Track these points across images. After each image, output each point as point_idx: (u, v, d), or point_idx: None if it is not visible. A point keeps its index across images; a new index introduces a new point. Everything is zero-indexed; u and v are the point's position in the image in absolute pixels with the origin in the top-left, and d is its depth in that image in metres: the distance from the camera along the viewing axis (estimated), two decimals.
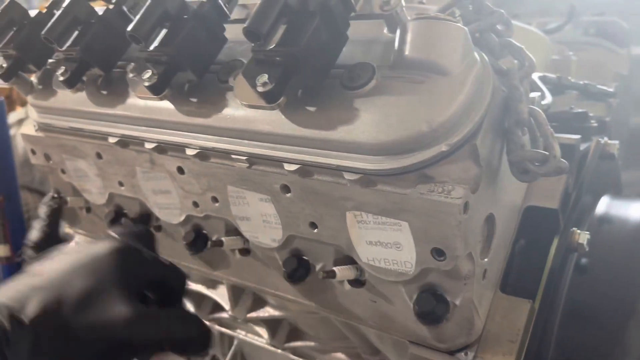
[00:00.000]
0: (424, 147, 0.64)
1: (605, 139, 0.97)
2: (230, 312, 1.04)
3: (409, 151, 0.65)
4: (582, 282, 0.86)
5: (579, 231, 0.84)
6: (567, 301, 0.84)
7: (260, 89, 0.66)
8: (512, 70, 0.69)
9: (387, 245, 0.72)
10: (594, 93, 1.07)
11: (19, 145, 3.44)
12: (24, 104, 3.87)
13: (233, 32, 0.82)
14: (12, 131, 3.12)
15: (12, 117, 3.10)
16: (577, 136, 0.89)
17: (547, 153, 0.68)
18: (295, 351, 1.17)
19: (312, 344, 1.12)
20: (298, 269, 0.83)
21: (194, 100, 0.83)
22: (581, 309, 0.85)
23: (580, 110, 0.98)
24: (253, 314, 1.04)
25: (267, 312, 1.04)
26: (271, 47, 0.66)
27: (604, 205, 0.95)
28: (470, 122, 0.65)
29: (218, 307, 1.26)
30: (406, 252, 0.71)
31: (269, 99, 0.67)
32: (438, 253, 0.68)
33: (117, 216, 1.07)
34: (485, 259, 0.74)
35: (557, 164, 0.68)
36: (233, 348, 1.30)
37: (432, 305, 0.71)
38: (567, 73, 1.15)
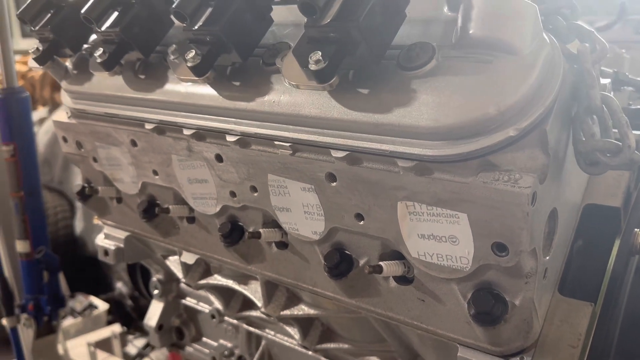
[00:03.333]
0: (490, 132, 0.59)
1: None
2: (263, 309, 1.00)
3: (473, 136, 0.60)
4: None
5: None
6: (628, 307, 0.78)
7: (312, 67, 0.62)
8: (584, 54, 0.64)
9: (441, 239, 0.68)
10: None
11: (40, 144, 3.46)
12: (45, 103, 3.90)
13: (278, 14, 0.78)
14: (35, 128, 3.14)
15: (33, 117, 3.12)
16: None
17: (620, 143, 0.63)
18: (327, 353, 1.12)
19: (345, 346, 1.07)
20: (340, 263, 0.78)
21: (237, 83, 0.79)
22: None
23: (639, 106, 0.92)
24: (287, 312, 1.00)
25: (302, 310, 0.99)
26: (326, 22, 0.62)
27: None
28: (541, 106, 0.60)
29: (247, 305, 1.22)
30: (463, 247, 0.66)
31: (322, 78, 0.63)
32: (500, 248, 0.63)
33: (150, 206, 1.04)
34: (547, 257, 0.69)
35: (631, 156, 0.62)
36: (261, 348, 1.26)
37: (489, 305, 0.66)
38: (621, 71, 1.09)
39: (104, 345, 2.90)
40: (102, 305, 3.11)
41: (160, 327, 1.40)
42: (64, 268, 2.86)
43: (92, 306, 3.14)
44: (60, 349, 2.61)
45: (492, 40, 0.60)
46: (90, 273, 3.27)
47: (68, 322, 2.94)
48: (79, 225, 3.42)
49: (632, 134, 0.62)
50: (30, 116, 2.89)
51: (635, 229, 0.79)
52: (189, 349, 1.42)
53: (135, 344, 3.17)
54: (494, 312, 0.66)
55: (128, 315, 3.12)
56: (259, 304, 1.02)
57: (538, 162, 0.61)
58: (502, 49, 0.60)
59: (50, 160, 3.46)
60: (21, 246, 2.82)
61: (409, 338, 0.93)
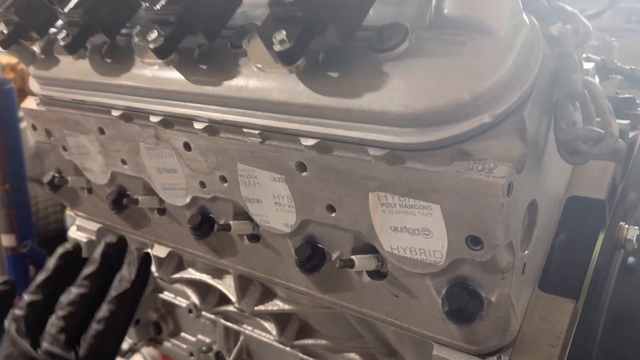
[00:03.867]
0: (464, 118, 0.56)
1: None
2: (236, 305, 0.97)
3: (446, 122, 0.56)
4: (629, 284, 0.77)
5: (627, 226, 0.75)
6: (611, 304, 0.75)
7: (277, 47, 0.58)
8: (566, 36, 0.60)
9: (414, 232, 0.64)
10: None
11: (31, 138, 3.41)
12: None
13: None
14: (22, 124, 3.08)
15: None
16: (626, 121, 0.80)
17: (602, 131, 0.60)
18: (305, 349, 1.09)
19: (323, 342, 1.03)
20: (312, 257, 0.75)
21: (204, 67, 0.75)
22: (627, 314, 0.76)
23: (628, 95, 0.89)
24: (261, 307, 0.96)
25: (277, 305, 0.96)
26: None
27: None
28: (518, 91, 0.56)
29: (224, 300, 1.18)
30: (436, 240, 0.63)
31: (287, 59, 0.59)
32: (474, 241, 0.60)
33: (119, 197, 1.00)
34: (526, 251, 0.65)
35: (614, 144, 0.59)
36: (239, 344, 1.23)
37: (464, 301, 0.62)
38: (609, 59, 1.06)
39: None
40: None
41: (137, 321, 1.36)
42: None
43: None
44: None
45: (467, 20, 0.57)
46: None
47: None
48: (69, 220, 3.37)
49: (615, 122, 0.59)
50: (16, 108, 2.84)
51: (621, 222, 0.75)
52: (167, 344, 1.38)
53: (126, 339, 3.14)
54: (468, 309, 0.62)
55: None
56: (233, 299, 0.99)
57: (515, 151, 0.58)
58: (477, 30, 0.56)
59: (41, 153, 3.40)
60: (6, 240, 2.77)
61: (386, 335, 0.90)
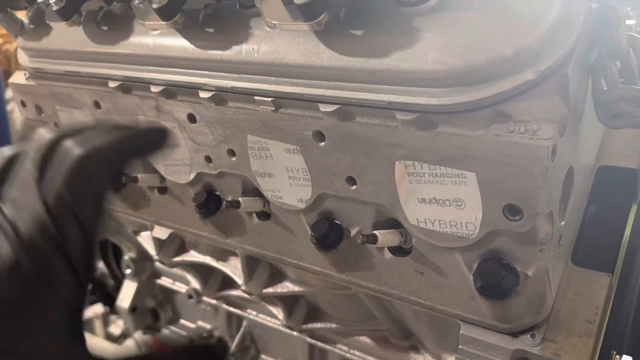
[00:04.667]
0: (505, 76, 0.51)
1: None
2: (243, 287, 0.92)
3: (484, 81, 0.52)
4: None
5: None
6: None
7: (298, 1, 0.53)
8: None
9: (444, 203, 0.60)
10: None
11: (17, 121, 3.30)
12: None
13: None
14: (9, 106, 2.98)
15: (10, 92, 2.96)
16: None
17: None
18: (313, 334, 1.05)
19: (333, 325, 0.99)
20: (329, 233, 0.70)
21: (211, 30, 0.70)
22: None
23: None
24: (270, 290, 0.92)
25: (286, 287, 0.91)
26: None
27: None
28: (562, 46, 0.52)
29: (227, 284, 1.13)
30: (469, 211, 0.58)
31: (309, 14, 0.54)
32: (512, 211, 0.55)
33: (117, 176, 0.94)
34: (562, 222, 0.61)
35: None
36: (242, 329, 1.18)
37: (499, 276, 0.58)
38: None
39: (86, 326, 2.78)
40: None
41: (134, 308, 1.31)
42: None
43: None
44: None
45: None
46: None
47: None
48: None
49: None
50: (2, 90, 2.74)
51: None
52: (165, 331, 1.33)
53: (118, 324, 3.08)
54: (503, 285, 0.58)
55: (110, 295, 3.02)
56: (239, 281, 0.94)
57: (557, 112, 0.53)
58: None
59: (29, 138, 3.30)
60: None
61: (402, 315, 0.86)
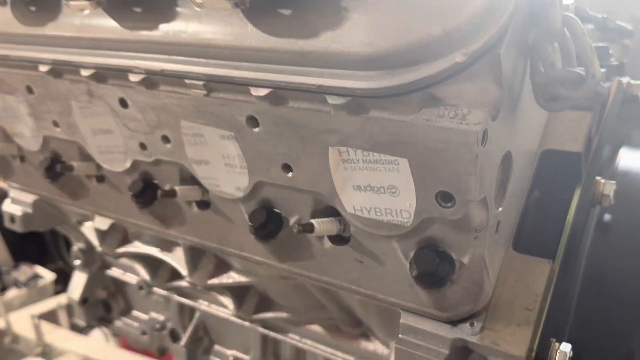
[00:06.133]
0: (434, 57, 0.49)
1: (628, 79, 0.83)
2: (188, 279, 0.89)
3: (414, 63, 0.49)
4: (605, 243, 0.73)
5: (603, 181, 0.70)
6: (587, 265, 0.71)
7: None
8: None
9: (379, 190, 0.58)
10: (613, 29, 0.93)
11: None
12: None
13: None
14: None
15: None
16: (602, 69, 0.75)
17: (582, 73, 0.54)
18: (265, 323, 1.03)
19: (284, 314, 0.97)
20: (267, 223, 0.68)
21: (138, 10, 0.66)
22: (604, 275, 0.72)
23: (600, 44, 0.84)
24: (215, 281, 0.89)
25: (232, 278, 0.89)
26: None
27: (628, 155, 0.82)
28: (493, 26, 0.50)
29: (177, 274, 1.10)
30: (403, 199, 0.56)
31: None
32: (445, 198, 0.54)
33: (53, 164, 0.90)
34: (500, 209, 0.60)
35: (595, 87, 0.53)
36: (194, 321, 1.16)
37: (434, 264, 0.56)
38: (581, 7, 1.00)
39: (50, 316, 2.74)
40: (48, 276, 2.93)
41: (84, 300, 1.27)
42: (6, 238, 2.67)
43: (37, 277, 2.96)
44: (1, 322, 2.44)
45: None
46: (35, 242, 3.08)
47: (11, 293, 2.75)
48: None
49: (597, 62, 0.53)
50: None
51: (597, 177, 0.71)
52: (117, 323, 1.30)
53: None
54: (438, 273, 0.56)
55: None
56: (184, 272, 0.91)
57: (490, 95, 0.51)
58: None
59: None
60: None
61: (350, 304, 0.84)
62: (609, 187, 0.70)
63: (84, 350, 2.39)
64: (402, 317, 0.66)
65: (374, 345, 0.92)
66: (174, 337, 1.17)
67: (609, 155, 0.79)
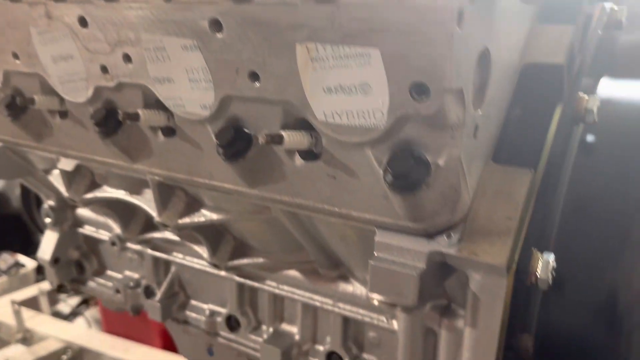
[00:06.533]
0: None
1: (611, 4, 0.80)
2: (158, 218, 0.85)
3: None
4: (588, 164, 0.70)
5: (587, 96, 0.68)
6: (571, 184, 0.68)
7: None
8: None
9: (351, 90, 0.54)
10: None
11: None
12: None
13: None
14: None
15: None
16: None
17: None
18: (241, 272, 0.99)
19: (260, 260, 0.94)
20: (235, 140, 0.64)
21: None
22: (587, 197, 0.69)
23: None
24: (186, 220, 0.85)
25: (203, 215, 0.85)
26: None
27: (609, 83, 0.79)
28: None
29: (149, 226, 1.06)
30: (376, 96, 0.53)
31: None
32: (419, 90, 0.50)
33: (14, 100, 0.85)
34: (479, 111, 0.57)
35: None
36: (170, 276, 1.12)
37: (408, 165, 0.53)
38: None
39: (31, 303, 2.69)
40: (29, 264, 2.88)
41: (56, 260, 1.22)
42: None
43: (18, 265, 2.91)
44: None
45: None
46: (17, 231, 3.02)
47: None
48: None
49: None
50: None
51: (579, 93, 0.68)
52: (91, 283, 1.25)
53: (69, 303, 2.97)
54: (413, 174, 0.53)
55: None
56: (154, 214, 0.87)
57: None
58: None
59: None
60: None
61: (328, 242, 0.81)
62: (592, 102, 0.67)
63: (65, 336, 2.35)
64: (377, 235, 0.62)
65: (352, 287, 0.88)
66: (149, 294, 1.13)
67: (592, 83, 0.77)
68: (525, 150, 0.62)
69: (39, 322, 2.50)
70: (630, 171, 0.71)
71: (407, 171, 0.53)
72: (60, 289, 1.23)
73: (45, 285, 2.75)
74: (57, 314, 2.82)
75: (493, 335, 0.58)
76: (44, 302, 2.77)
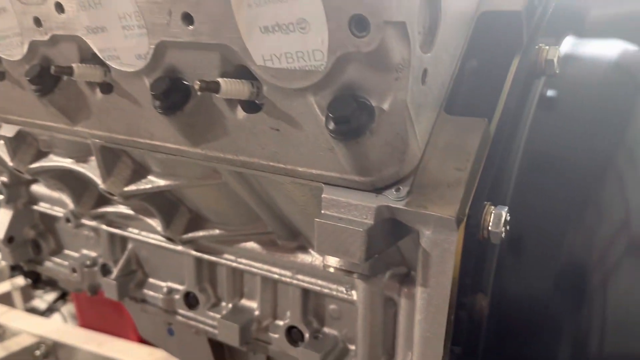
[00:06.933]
0: None
1: None
2: (102, 186, 0.80)
3: None
4: (549, 120, 0.67)
5: (547, 47, 0.64)
6: (530, 140, 0.65)
7: None
8: None
9: (288, 29, 0.50)
10: None
11: None
12: None
13: None
14: None
15: None
16: None
17: None
18: (198, 246, 0.95)
19: (216, 232, 0.90)
20: (171, 91, 0.60)
21: None
22: (547, 153, 0.66)
23: None
24: (132, 187, 0.81)
25: (150, 182, 0.80)
26: None
27: (571, 41, 0.76)
28: None
29: (102, 199, 1.02)
30: (315, 35, 0.49)
31: None
32: (359, 24, 0.46)
33: None
34: (427, 54, 0.53)
35: None
36: (126, 253, 1.07)
37: (350, 108, 0.49)
38: None
39: (5, 299, 2.62)
40: (2, 260, 2.80)
41: (10, 239, 1.17)
42: None
43: None
44: None
45: None
46: None
47: None
48: None
49: None
50: None
51: (540, 44, 0.64)
52: (48, 263, 1.20)
53: (45, 299, 2.91)
54: (355, 119, 0.49)
55: (34, 270, 2.84)
56: (100, 182, 0.82)
57: None
58: None
59: None
60: None
61: (283, 211, 0.77)
62: (552, 53, 0.64)
63: (39, 331, 2.29)
64: (324, 190, 0.59)
65: (311, 258, 0.85)
66: (106, 272, 1.09)
67: (554, 41, 0.73)
68: (480, 101, 0.59)
69: (11, 317, 2.43)
70: (592, 129, 0.68)
71: (349, 115, 0.49)
72: (14, 269, 1.18)
73: (19, 281, 2.68)
74: (33, 310, 2.76)
75: (444, 294, 0.55)
76: (17, 298, 2.71)
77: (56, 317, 2.81)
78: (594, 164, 0.67)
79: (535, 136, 0.65)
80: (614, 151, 0.68)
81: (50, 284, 2.89)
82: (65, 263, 1.17)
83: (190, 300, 0.99)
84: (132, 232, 1.03)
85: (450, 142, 0.56)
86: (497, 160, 0.58)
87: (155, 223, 0.94)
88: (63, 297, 2.83)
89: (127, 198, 0.81)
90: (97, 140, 0.76)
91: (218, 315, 0.96)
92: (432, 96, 0.57)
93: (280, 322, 0.91)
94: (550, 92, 0.68)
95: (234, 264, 0.91)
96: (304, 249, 0.86)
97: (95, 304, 2.34)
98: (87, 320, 2.38)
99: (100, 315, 2.28)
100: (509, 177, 0.62)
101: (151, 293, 1.05)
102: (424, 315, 0.58)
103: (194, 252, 0.95)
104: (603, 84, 0.71)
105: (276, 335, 0.91)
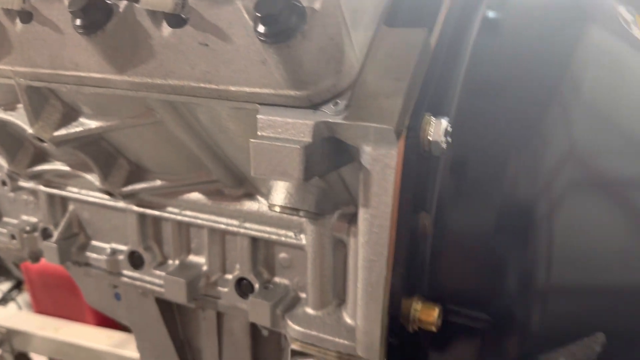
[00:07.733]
0: None
1: None
2: (30, 130, 0.75)
3: None
4: (492, 44, 0.65)
5: None
6: (473, 60, 0.63)
7: None
8: None
9: None
10: None
11: None
12: None
13: None
14: None
15: None
16: None
17: None
18: (140, 201, 0.90)
19: (157, 182, 0.85)
20: (89, 7, 0.55)
21: None
22: (489, 79, 0.64)
23: None
24: (62, 131, 0.75)
25: (81, 125, 0.75)
26: None
27: None
28: None
29: (38, 157, 0.96)
30: None
31: None
32: None
33: None
34: None
35: None
36: (67, 215, 1.02)
37: (277, 6, 0.46)
38: None
39: None
40: None
41: None
42: None
43: None
44: None
45: None
46: None
47: None
48: None
49: None
50: None
51: None
52: None
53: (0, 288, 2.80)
54: (284, 18, 0.46)
55: None
56: (28, 129, 0.77)
57: None
58: None
59: None
60: None
61: (229, 157, 0.73)
62: None
63: None
64: (259, 111, 0.55)
65: (258, 205, 0.81)
66: (46, 237, 1.03)
67: None
68: (421, 12, 0.56)
69: None
70: (537, 54, 0.66)
71: (277, 13, 0.45)
72: None
73: None
74: None
75: (386, 212, 0.52)
76: None
77: (11, 306, 2.71)
78: (539, 91, 0.65)
79: (478, 58, 0.63)
80: (560, 76, 0.67)
81: (6, 274, 2.78)
82: (4, 231, 1.10)
83: (135, 260, 0.95)
84: (72, 192, 0.97)
85: (390, 54, 0.54)
86: (439, 73, 0.55)
87: (93, 178, 0.89)
88: (18, 286, 2.73)
89: (59, 144, 0.76)
90: (22, 80, 0.70)
91: (164, 274, 0.92)
92: (369, 3, 0.54)
93: (230, 276, 0.88)
94: (493, 14, 0.66)
95: (179, 217, 0.87)
96: (250, 196, 0.82)
97: (50, 289, 2.26)
98: (43, 306, 2.30)
99: (56, 300, 2.21)
100: (452, 94, 0.60)
101: (94, 255, 0.99)
102: (366, 238, 0.55)
103: (136, 208, 0.90)
104: (548, 8, 0.69)
105: (225, 289, 0.87)
